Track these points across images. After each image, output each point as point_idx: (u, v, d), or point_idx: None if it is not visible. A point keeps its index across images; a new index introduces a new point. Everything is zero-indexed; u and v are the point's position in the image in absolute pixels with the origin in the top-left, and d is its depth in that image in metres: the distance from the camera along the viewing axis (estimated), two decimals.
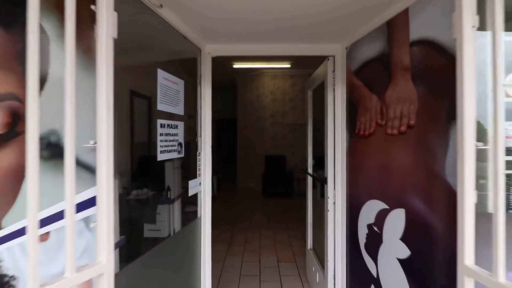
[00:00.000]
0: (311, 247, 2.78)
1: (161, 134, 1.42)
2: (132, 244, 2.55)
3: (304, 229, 4.29)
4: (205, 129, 1.92)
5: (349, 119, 1.88)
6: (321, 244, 2.54)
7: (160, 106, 1.42)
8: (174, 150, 1.55)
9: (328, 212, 2.00)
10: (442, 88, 1.13)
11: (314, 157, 2.86)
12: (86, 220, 1.07)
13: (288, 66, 6.45)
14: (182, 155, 1.65)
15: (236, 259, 3.26)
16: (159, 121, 1.41)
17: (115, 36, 0.97)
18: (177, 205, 2.27)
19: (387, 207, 1.45)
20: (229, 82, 8.11)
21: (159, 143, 1.40)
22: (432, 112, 1.18)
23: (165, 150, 1.45)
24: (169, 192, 2.90)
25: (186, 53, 1.84)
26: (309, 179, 2.84)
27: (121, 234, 1.89)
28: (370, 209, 1.60)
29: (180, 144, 1.61)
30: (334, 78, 1.98)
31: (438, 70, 1.15)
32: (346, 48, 1.91)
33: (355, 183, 1.80)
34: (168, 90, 1.49)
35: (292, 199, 6.29)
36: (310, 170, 2.81)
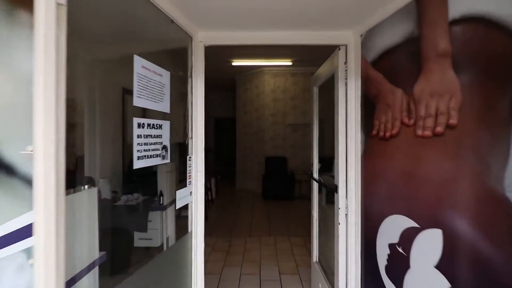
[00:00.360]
0: (317, 260, 2.51)
1: (138, 136, 1.15)
2: (118, 259, 2.24)
3: (306, 235, 4.03)
4: (197, 130, 1.66)
5: (365, 118, 1.62)
6: (328, 257, 2.27)
7: (138, 102, 1.15)
8: (157, 155, 1.29)
9: (339, 226, 1.73)
10: (500, 77, 0.87)
11: (318, 159, 2.59)
12: (29, 252, 0.80)
13: (290, 63, 6.19)
14: (168, 161, 1.38)
15: (234, 271, 2.99)
16: (136, 120, 1.14)
17: (62, 1, 0.70)
18: (170, 212, 2.02)
19: (417, 225, 1.19)
20: (228, 81, 7.85)
21: (136, 147, 1.13)
22: (484, 107, 0.92)
23: (145, 156, 1.19)
24: (161, 197, 2.62)
25: (174, 41, 1.57)
26: (315, 185, 2.57)
27: (101, 249, 1.62)
28: (393, 226, 1.34)
29: (165, 147, 1.35)
30: (346, 70, 1.72)
31: (494, 54, 0.89)
32: (361, 36, 1.64)
33: (373, 194, 1.53)
34: (149, 82, 1.22)
35: (293, 202, 6.03)
36: (315, 175, 2.54)
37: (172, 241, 2.60)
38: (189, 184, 1.60)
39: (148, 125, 1.21)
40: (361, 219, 1.63)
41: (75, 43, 0.83)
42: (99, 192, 3.16)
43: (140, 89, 1.16)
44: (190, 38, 1.65)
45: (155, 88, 1.26)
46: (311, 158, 2.61)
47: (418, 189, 1.18)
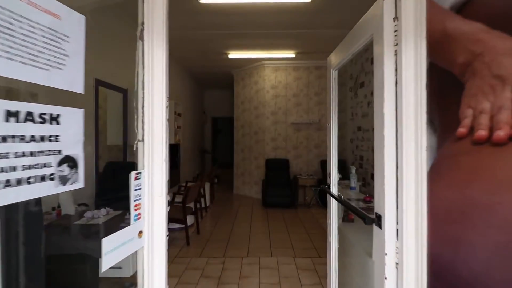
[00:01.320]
0: None
1: None
2: None
3: (315, 256, 3.37)
4: (153, 127, 1.00)
5: (436, 107, 0.96)
6: None
7: None
8: (45, 178, 0.63)
9: (386, 281, 1.08)
10: None
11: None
12: None
13: (292, 55, 5.53)
14: (80, 185, 0.72)
15: None
16: None
17: None
18: None
19: None
20: (225, 76, 7.21)
21: None
22: None
23: (2, 182, 0.52)
24: None
25: None
26: (333, 202, 1.91)
27: None
28: None
29: (68, 160, 0.68)
30: (396, 31, 1.06)
31: None
32: None
33: (458, 240, 0.87)
34: (15, 24, 0.56)
35: (297, 211, 5.36)
36: (334, 189, 1.88)
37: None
38: (136, 220, 0.94)
39: (14, 115, 0.55)
40: (428, 276, 0.97)
41: None
42: (58, 207, 2.45)
43: None
44: None
45: (36, 40, 0.60)
46: (328, 166, 1.94)
47: None
